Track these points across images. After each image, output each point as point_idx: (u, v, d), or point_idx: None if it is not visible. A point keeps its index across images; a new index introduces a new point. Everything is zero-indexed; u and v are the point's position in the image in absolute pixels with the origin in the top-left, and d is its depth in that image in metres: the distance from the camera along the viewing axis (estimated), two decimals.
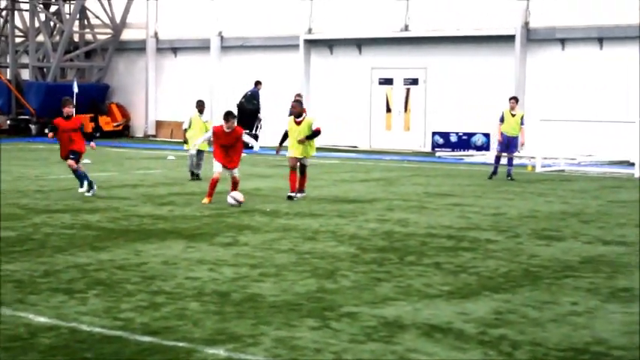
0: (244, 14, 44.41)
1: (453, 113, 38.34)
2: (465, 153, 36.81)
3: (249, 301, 10.24)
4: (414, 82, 40.14)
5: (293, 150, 20.87)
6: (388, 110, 40.79)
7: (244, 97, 40.29)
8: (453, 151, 37.37)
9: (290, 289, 10.87)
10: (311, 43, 42.66)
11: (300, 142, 20.68)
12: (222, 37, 45.31)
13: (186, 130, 25.70)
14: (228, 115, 19.81)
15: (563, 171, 29.44)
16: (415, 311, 9.89)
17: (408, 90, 40.36)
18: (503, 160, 26.52)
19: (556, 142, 30.64)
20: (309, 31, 42.54)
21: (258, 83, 40.50)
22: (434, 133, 39.06)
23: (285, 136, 21.16)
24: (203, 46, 45.67)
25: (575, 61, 36.10)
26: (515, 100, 26.59)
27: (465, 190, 23.19)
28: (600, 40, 35.59)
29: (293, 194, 20.50)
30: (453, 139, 37.78)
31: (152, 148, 39.81)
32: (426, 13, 39.43)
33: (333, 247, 13.97)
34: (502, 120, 26.31)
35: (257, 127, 40.82)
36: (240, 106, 40.17)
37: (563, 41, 36.44)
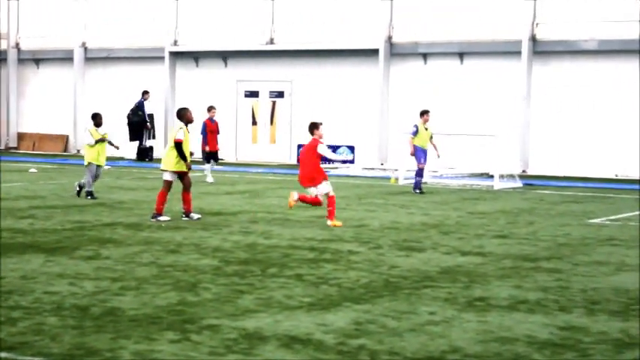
0: (109, 25, 43.93)
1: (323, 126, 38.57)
2: (330, 165, 37.05)
3: (109, 315, 10.15)
4: (280, 95, 40.34)
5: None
6: (254, 123, 40.88)
7: (132, 108, 40.30)
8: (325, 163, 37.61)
9: (151, 303, 10.81)
10: (176, 55, 42.47)
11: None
12: (86, 48, 44.72)
13: (91, 145, 23.06)
14: None
15: (425, 183, 29.92)
16: (276, 323, 9.95)
17: (274, 103, 40.53)
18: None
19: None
20: (175, 42, 42.36)
21: (145, 93, 40.53)
22: (299, 146, 39.23)
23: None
24: (66, 57, 44.98)
25: (437, 75, 36.83)
26: (428, 113, 26.87)
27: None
28: (461, 55, 36.38)
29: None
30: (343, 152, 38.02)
31: (13, 160, 38.98)
32: (292, 26, 39.69)
33: (196, 260, 13.94)
34: (415, 133, 26.47)
35: (146, 138, 40.62)
36: (128, 117, 40.16)
37: (425, 55, 37.13)
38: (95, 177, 23.13)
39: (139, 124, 40.55)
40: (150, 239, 16.07)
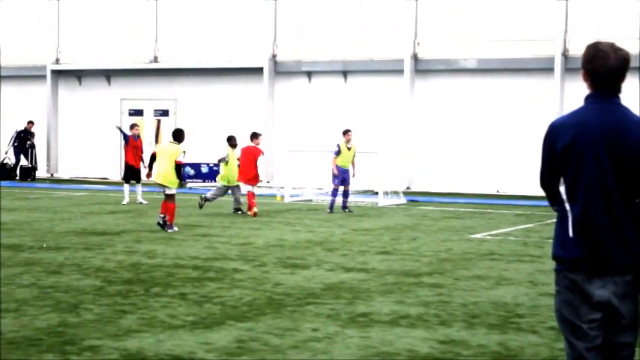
0: None
1: (204, 144, 38.50)
2: (216, 184, 36.97)
3: None
4: (165, 113, 40.13)
5: (155, 175, 21.62)
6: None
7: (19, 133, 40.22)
8: (204, 181, 37.49)
9: (30, 325, 10.64)
10: (58, 74, 41.91)
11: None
12: None
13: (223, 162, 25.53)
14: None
15: (310, 200, 30.11)
16: (158, 342, 9.89)
17: (159, 121, 40.30)
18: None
19: (304, 172, 31.30)
20: (57, 61, 41.80)
21: (29, 123, 40.32)
22: (184, 165, 39.05)
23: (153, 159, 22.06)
24: None
25: (322, 92, 37.12)
26: (349, 132, 26.46)
27: (214, 220, 23.36)
28: (345, 73, 36.74)
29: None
30: (204, 169, 37.90)
31: None
32: (176, 44, 39.56)
33: (78, 280, 13.76)
34: (338, 153, 26.10)
35: (30, 159, 40.26)
36: (15, 139, 40.12)
37: (309, 73, 37.39)
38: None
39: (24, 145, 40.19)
40: (31, 260, 15.82)
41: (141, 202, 28.04)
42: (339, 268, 15.47)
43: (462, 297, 12.80)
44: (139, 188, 28.52)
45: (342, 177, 26.16)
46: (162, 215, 20.90)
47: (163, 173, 21.26)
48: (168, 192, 21.11)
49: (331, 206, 25.86)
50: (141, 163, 28.64)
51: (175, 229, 20.83)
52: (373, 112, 36.13)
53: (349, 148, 26.26)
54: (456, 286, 13.77)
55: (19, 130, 40.50)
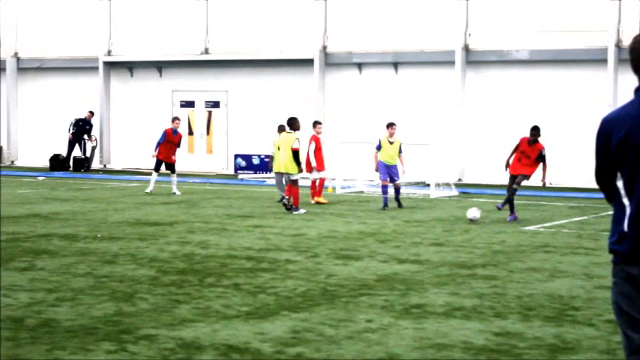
0: (42, 35, 43.53)
1: (255, 136, 38.61)
2: (267, 175, 37.05)
3: (45, 326, 10.07)
4: (216, 104, 40.25)
5: (276, 165, 23.95)
6: (190, 133, 40.71)
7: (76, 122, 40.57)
8: (255, 173, 37.60)
9: (87, 313, 10.73)
10: (111, 65, 42.19)
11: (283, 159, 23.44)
12: (18, 58, 44.25)
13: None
14: None
15: (362, 192, 30.06)
16: (213, 332, 9.94)
17: (210, 113, 40.43)
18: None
19: (355, 164, 31.24)
20: (109, 52, 42.08)
21: (90, 113, 40.68)
22: (236, 156, 39.21)
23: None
24: None
25: (372, 84, 37.03)
26: (393, 126, 25.27)
27: (266, 211, 23.40)
28: (395, 65, 36.62)
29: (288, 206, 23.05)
30: (255, 161, 38.01)
31: None
32: (226, 36, 39.64)
33: (133, 270, 13.87)
34: (378, 148, 25.19)
35: (84, 149, 40.69)
36: (74, 127, 40.44)
37: (360, 65, 37.31)
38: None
39: (80, 135, 40.54)
40: (86, 250, 15.96)
41: (174, 193, 28.08)
42: (392, 259, 15.44)
43: (516, 289, 12.72)
44: (174, 179, 28.61)
45: (387, 173, 24.85)
46: (287, 197, 23.08)
47: (284, 162, 23.48)
48: (292, 178, 23.38)
49: (385, 203, 24.61)
50: (173, 155, 28.63)
51: (302, 211, 22.91)
52: (424, 104, 35.97)
53: (391, 143, 24.93)
54: (510, 278, 13.69)
55: (77, 118, 40.84)
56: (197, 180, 32.15)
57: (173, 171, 28.74)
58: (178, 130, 29.07)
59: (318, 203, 25.66)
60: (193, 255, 15.57)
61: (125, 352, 9.04)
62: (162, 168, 28.70)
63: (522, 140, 22.25)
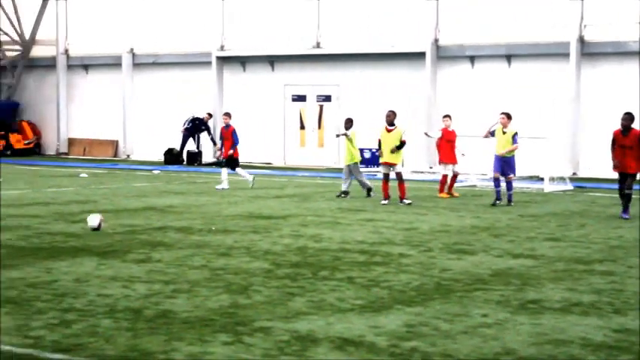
0: (156, 30, 44.23)
1: (366, 130, 38.55)
2: (378, 169, 36.98)
3: (162, 317, 10.21)
4: (327, 98, 40.34)
5: (386, 156, 23.96)
6: (302, 127, 40.91)
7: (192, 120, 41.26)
8: (366, 167, 37.55)
9: (203, 305, 10.85)
10: (223, 60, 42.64)
11: (392, 151, 23.78)
12: (133, 54, 45.05)
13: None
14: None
15: (475, 186, 29.81)
16: (328, 325, 9.95)
17: (322, 107, 40.55)
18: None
19: (468, 158, 30.96)
20: (222, 47, 42.52)
21: (209, 115, 41.26)
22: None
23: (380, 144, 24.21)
24: (115, 63, 45.36)
25: (485, 77, 36.66)
26: (506, 116, 24.07)
27: (378, 205, 23.35)
28: (508, 57, 36.19)
29: (385, 201, 23.69)
30: (367, 155, 37.96)
31: (64, 165, 39.34)
32: (338, 30, 39.70)
33: (247, 263, 13.97)
34: (493, 134, 24.70)
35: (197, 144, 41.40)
36: (190, 123, 41.17)
37: (472, 58, 36.98)
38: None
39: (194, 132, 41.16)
40: (201, 243, 16.14)
41: (222, 188, 27.93)
42: (507, 254, 15.26)
43: (635, 285, 12.45)
44: (224, 173, 28.33)
45: (500, 166, 23.88)
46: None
47: (392, 154, 23.85)
48: (397, 170, 23.84)
49: (497, 197, 23.83)
50: (230, 150, 28.40)
51: (406, 202, 23.59)
52: (538, 97, 35.46)
53: (504, 133, 23.86)
54: (629, 274, 13.40)
55: (195, 116, 41.36)
56: (308, 174, 32.26)
57: (229, 166, 28.49)
58: (229, 124, 28.77)
59: (449, 197, 25.84)
60: (307, 248, 15.63)
61: (241, 344, 9.11)
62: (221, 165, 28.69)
63: (615, 133, 20.90)
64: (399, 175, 23.95)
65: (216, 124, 41.97)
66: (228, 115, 29.09)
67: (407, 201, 23.71)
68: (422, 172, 35.34)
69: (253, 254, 14.88)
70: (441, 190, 26.12)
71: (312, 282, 12.45)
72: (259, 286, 12.05)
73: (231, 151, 28.28)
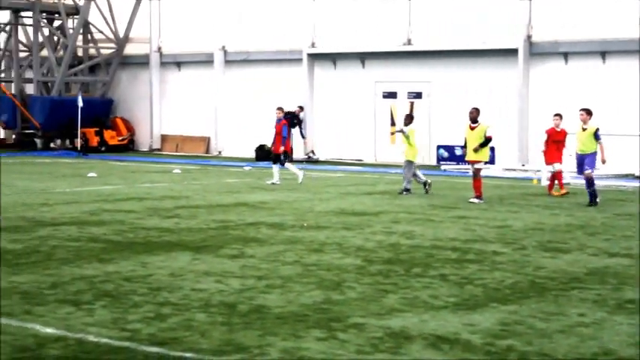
0: (247, 28, 44.50)
1: (457, 126, 38.30)
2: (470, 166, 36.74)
3: (256, 312, 10.25)
4: (418, 95, 40.17)
5: (469, 154, 23.72)
6: (392, 123, 40.77)
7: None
8: (457, 164, 37.34)
9: (296, 301, 10.87)
10: (314, 57, 42.72)
11: (475, 150, 23.41)
12: (225, 51, 45.40)
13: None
14: None
15: (568, 184, 29.37)
16: (421, 322, 9.89)
17: (412, 103, 40.38)
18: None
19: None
20: (313, 45, 42.62)
21: (300, 108, 41.61)
22: (438, 147, 39.09)
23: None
24: (207, 60, 45.76)
25: (578, 74, 36.12)
26: (586, 112, 23.33)
27: (470, 203, 23.16)
28: (603, 54, 35.61)
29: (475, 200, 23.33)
30: (458, 152, 37.70)
31: (157, 161, 39.83)
32: (429, 26, 39.50)
33: (339, 259, 13.97)
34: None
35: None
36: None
37: (566, 55, 36.46)
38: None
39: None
40: (293, 239, 16.19)
41: (273, 183, 27.90)
42: (603, 252, 15.02)
43: None
44: (275, 169, 28.25)
45: (579, 163, 23.20)
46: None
47: (475, 152, 23.50)
48: (477, 166, 23.57)
49: (591, 196, 22.96)
50: (281, 146, 28.33)
51: (476, 201, 23.16)
52: (633, 94, 34.82)
53: (584, 129, 23.09)
54: None
55: (287, 111, 41.54)
56: (399, 171, 31.98)
57: (277, 161, 28.44)
58: (281, 118, 28.69)
59: (562, 195, 25.34)
60: (399, 245, 15.57)
61: (335, 340, 9.10)
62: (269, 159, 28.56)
63: None
64: (476, 171, 23.62)
65: (307, 119, 42.10)
66: (280, 109, 29.17)
67: (475, 200, 23.20)
68: (514, 170, 34.96)
69: (345, 250, 14.87)
70: (558, 187, 25.61)
71: (404, 279, 12.39)
72: (352, 283, 12.04)
73: (281, 147, 28.40)
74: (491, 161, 36.68)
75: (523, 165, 36.09)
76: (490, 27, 37.96)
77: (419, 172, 25.84)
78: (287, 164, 28.65)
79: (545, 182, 28.55)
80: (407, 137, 25.61)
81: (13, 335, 9.11)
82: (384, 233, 17.05)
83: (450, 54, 39.03)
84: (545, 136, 25.90)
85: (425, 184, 25.51)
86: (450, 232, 17.26)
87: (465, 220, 19.22)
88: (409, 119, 26.24)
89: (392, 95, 40.86)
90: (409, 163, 25.48)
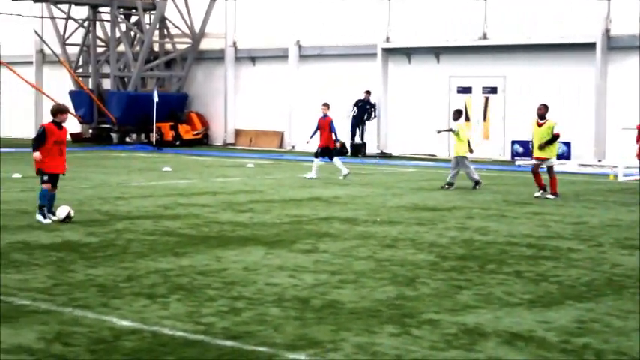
0: (322, 23, 44.55)
1: (530, 122, 37.91)
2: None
3: (329, 307, 10.25)
4: (493, 90, 39.86)
5: (535, 152, 23.34)
6: (467, 119, 40.49)
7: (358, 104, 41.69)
8: (532, 160, 36.92)
9: (369, 296, 10.85)
10: (389, 52, 42.63)
11: (540, 147, 23.03)
12: (300, 47, 45.49)
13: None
14: None
15: None
16: (496, 319, 9.81)
17: (487, 98, 40.10)
18: None
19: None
20: (387, 39, 42.52)
21: (367, 92, 41.67)
22: (513, 142, 38.78)
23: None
24: (281, 55, 45.89)
25: None
26: None
27: (545, 199, 22.93)
28: None
29: (538, 193, 23.16)
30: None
31: (231, 156, 40.06)
32: (504, 21, 39.16)
33: (413, 255, 13.92)
34: None
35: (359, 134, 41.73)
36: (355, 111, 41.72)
37: None
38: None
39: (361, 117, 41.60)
40: (366, 234, 16.17)
41: (311, 178, 27.91)
42: None
43: None
44: (337, 163, 28.20)
45: None
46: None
47: (540, 150, 23.15)
48: (547, 164, 23.18)
49: None
50: (333, 141, 28.40)
51: (550, 197, 22.83)
52: None
53: None
54: None
55: (358, 99, 41.80)
56: (473, 166, 31.97)
57: (330, 157, 28.47)
58: (327, 114, 28.60)
59: None
60: (473, 241, 15.47)
61: (408, 336, 9.06)
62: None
63: None
64: (549, 169, 23.28)
65: (381, 111, 42.04)
66: (326, 105, 29.15)
67: (551, 196, 22.86)
68: (590, 166, 34.52)
69: (419, 246, 14.82)
70: None
71: (479, 275, 12.31)
72: (426, 278, 11.99)
73: (336, 144, 28.45)
74: (567, 157, 36.31)
75: (599, 161, 35.62)
76: (567, 21, 37.52)
77: (472, 168, 25.58)
78: (334, 159, 28.60)
79: (623, 178, 28.15)
80: (457, 134, 25.40)
81: (90, 327, 9.23)
82: (457, 229, 16.96)
83: (526, 48, 38.66)
84: (636, 132, 25.42)
85: (477, 183, 25.20)
86: (525, 229, 17.10)
87: (540, 217, 19.03)
88: (458, 114, 26.06)
89: (466, 90, 40.60)
90: (462, 158, 25.23)
